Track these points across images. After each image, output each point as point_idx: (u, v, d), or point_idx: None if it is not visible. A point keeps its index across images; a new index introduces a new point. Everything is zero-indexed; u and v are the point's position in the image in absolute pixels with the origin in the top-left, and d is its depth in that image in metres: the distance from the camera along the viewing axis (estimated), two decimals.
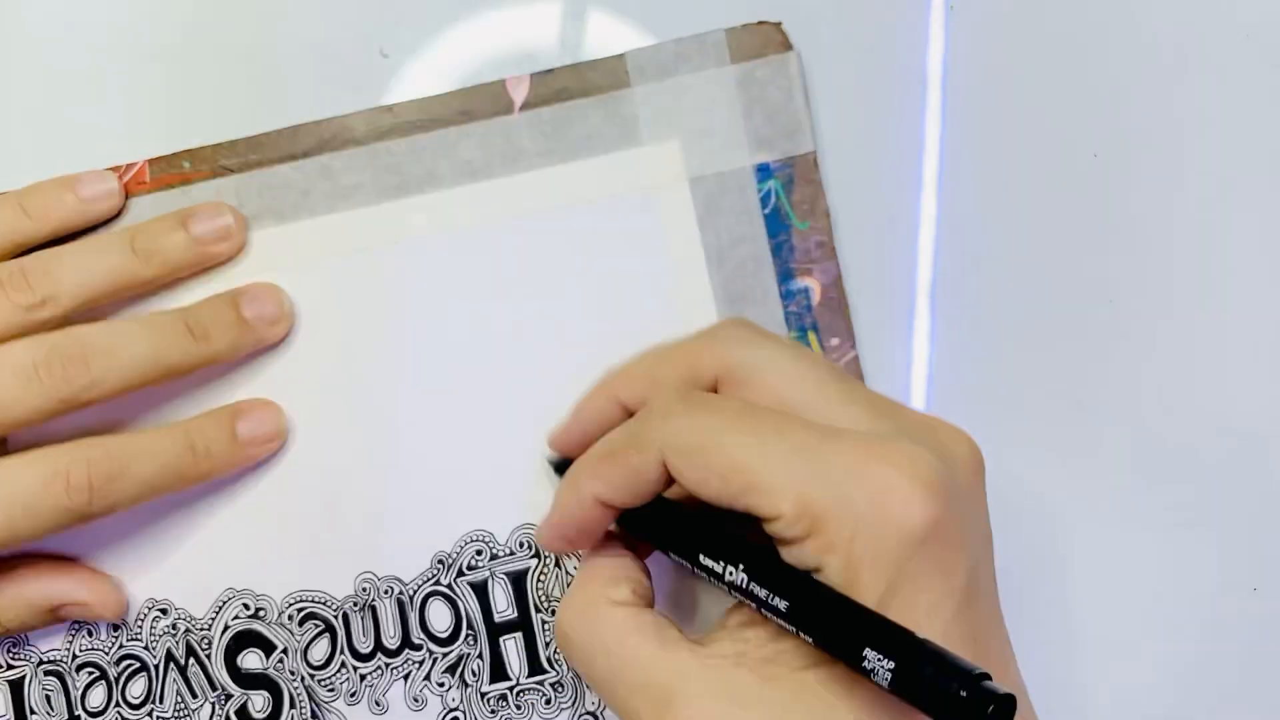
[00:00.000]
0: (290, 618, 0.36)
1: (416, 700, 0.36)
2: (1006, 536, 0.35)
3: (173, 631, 0.37)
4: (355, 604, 0.36)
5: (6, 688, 0.37)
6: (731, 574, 0.28)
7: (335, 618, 0.36)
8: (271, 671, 0.36)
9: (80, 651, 0.37)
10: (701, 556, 0.29)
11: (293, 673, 0.36)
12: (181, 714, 0.36)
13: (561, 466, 0.34)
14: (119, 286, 0.34)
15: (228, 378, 0.36)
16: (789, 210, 0.36)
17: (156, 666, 0.37)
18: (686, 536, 0.30)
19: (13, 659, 0.36)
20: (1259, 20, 0.37)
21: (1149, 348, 0.37)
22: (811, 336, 0.36)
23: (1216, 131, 0.37)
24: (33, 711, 0.36)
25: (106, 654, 0.37)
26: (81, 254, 0.35)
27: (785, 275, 0.36)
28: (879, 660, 0.25)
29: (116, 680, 0.37)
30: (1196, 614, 0.37)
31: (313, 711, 0.36)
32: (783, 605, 0.27)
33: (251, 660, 0.36)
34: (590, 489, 0.30)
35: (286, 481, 0.36)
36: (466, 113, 0.37)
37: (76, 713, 0.36)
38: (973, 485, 0.29)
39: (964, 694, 0.24)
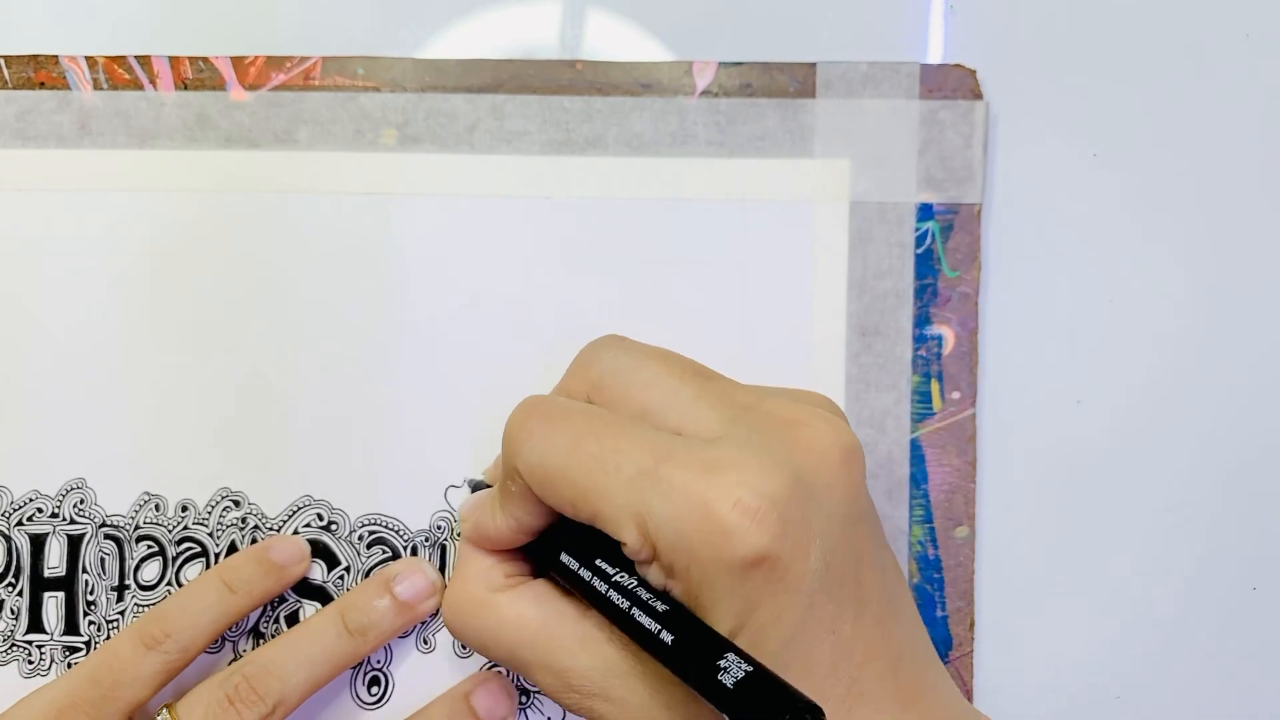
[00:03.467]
0: (360, 538, 0.36)
1: (464, 648, 0.36)
2: (1006, 536, 0.36)
3: (241, 525, 0.36)
4: (427, 539, 0.36)
5: (66, 541, 0.37)
6: (593, 581, 0.29)
7: (404, 548, 0.36)
8: (330, 585, 0.36)
9: (144, 523, 0.37)
10: (564, 561, 0.31)
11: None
12: None
13: (477, 486, 0.36)
14: (341, 668, 0.35)
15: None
16: (941, 255, 0.36)
17: (217, 555, 0.36)
18: (549, 549, 0.31)
19: (77, 514, 0.36)
20: (1259, 20, 0.37)
21: (1149, 347, 0.37)
22: (934, 385, 0.36)
23: (1217, 131, 0.37)
24: (85, 570, 0.36)
25: (169, 531, 0.37)
26: (299, 645, 0.34)
27: (923, 319, 0.36)
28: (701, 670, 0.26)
29: (174, 560, 0.37)
30: (1196, 614, 0.37)
31: None
32: (626, 607, 0.28)
33: (313, 571, 0.36)
34: (504, 522, 0.31)
35: (380, 403, 0.36)
36: (647, 86, 0.36)
37: (127, 581, 0.36)
38: (833, 482, 0.28)
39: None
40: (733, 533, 0.26)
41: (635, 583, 0.28)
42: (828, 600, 0.27)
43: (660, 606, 0.27)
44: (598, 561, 0.29)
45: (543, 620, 0.31)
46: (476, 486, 0.36)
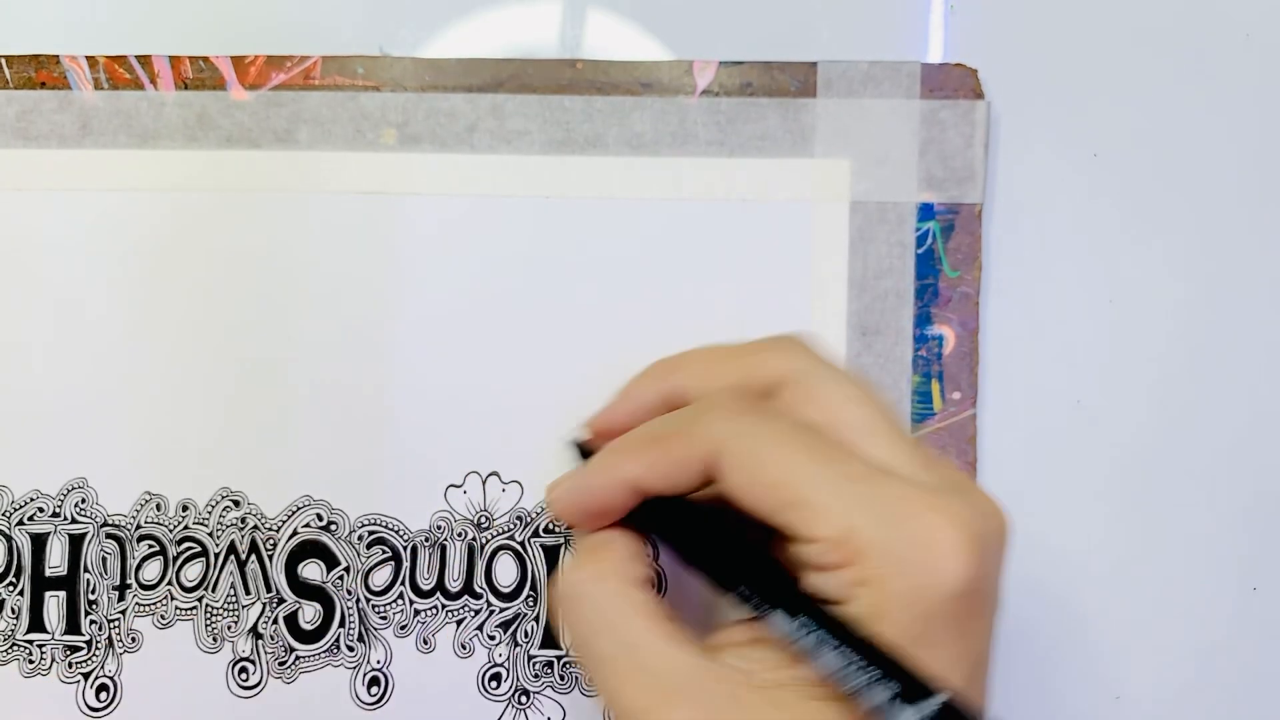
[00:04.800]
0: (360, 538, 0.36)
1: (464, 648, 0.36)
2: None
3: (240, 525, 0.36)
4: (427, 539, 0.36)
5: (67, 540, 0.37)
6: (752, 593, 0.28)
7: (404, 548, 0.36)
8: (329, 586, 0.36)
9: (145, 523, 0.37)
10: (723, 568, 0.28)
11: (349, 592, 0.36)
12: (231, 606, 0.36)
13: (585, 450, 0.33)
14: None
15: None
16: (942, 255, 0.36)
17: (217, 555, 0.37)
18: (707, 542, 0.29)
19: (79, 513, 0.36)
20: (1259, 20, 0.37)
21: (1149, 347, 0.37)
22: (935, 385, 0.36)
23: (1217, 131, 0.37)
24: (86, 570, 0.37)
25: (170, 531, 0.37)
26: None
27: (923, 319, 0.36)
28: (897, 701, 0.25)
29: (174, 560, 0.37)
30: (1196, 614, 0.37)
31: (360, 634, 0.36)
32: (804, 628, 0.26)
33: (312, 571, 0.36)
34: (627, 470, 0.29)
35: (380, 403, 0.36)
36: (647, 85, 0.36)
37: (129, 581, 0.36)
38: (1001, 559, 0.29)
39: None
40: (955, 558, 0.26)
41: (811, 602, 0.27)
42: (988, 646, 0.27)
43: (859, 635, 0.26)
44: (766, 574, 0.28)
45: (683, 640, 0.28)
46: (583, 449, 0.33)
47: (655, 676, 0.27)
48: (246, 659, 0.36)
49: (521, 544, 0.36)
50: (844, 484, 0.27)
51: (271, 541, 0.36)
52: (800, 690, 0.27)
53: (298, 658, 0.36)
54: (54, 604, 0.36)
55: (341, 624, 0.36)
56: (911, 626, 0.26)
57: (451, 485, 0.36)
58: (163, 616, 0.36)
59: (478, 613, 0.36)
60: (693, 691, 0.27)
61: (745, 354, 0.30)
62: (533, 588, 0.36)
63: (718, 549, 0.29)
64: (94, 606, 0.36)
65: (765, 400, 0.30)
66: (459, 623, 0.36)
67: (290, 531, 0.36)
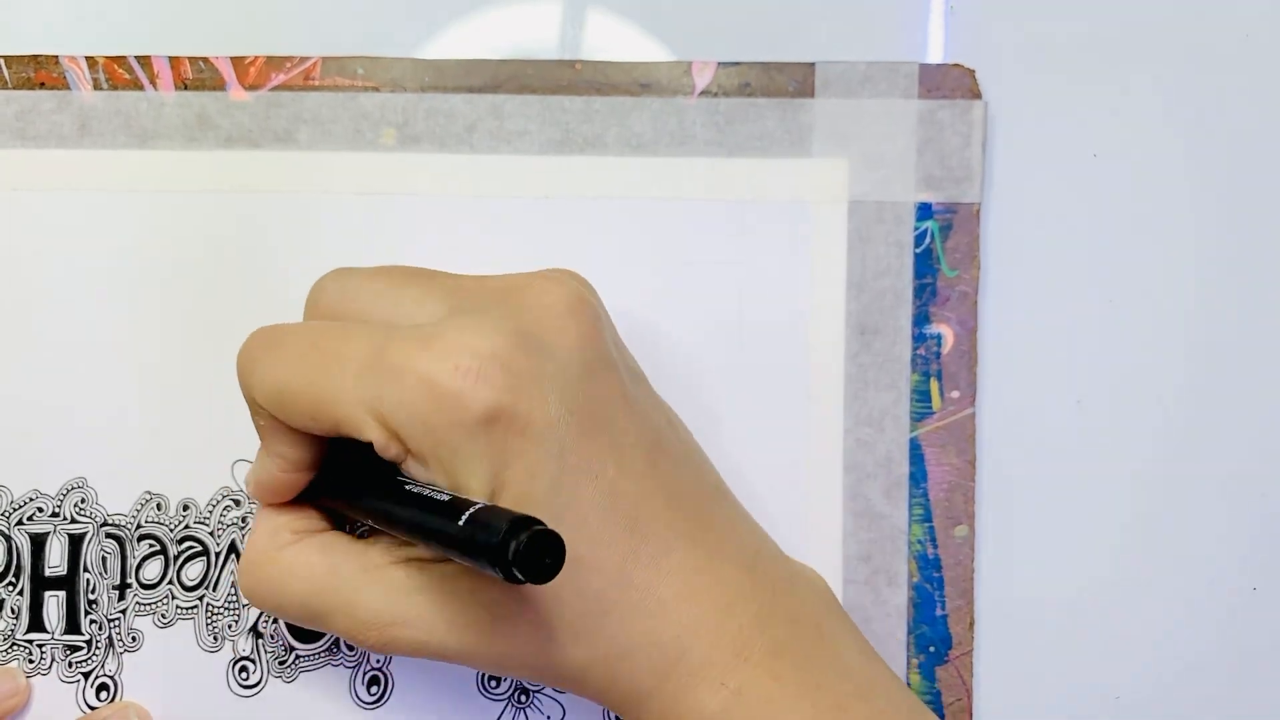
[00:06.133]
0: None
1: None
2: (1006, 536, 0.36)
3: (241, 524, 0.37)
4: None
5: (67, 540, 0.37)
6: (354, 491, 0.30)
7: None
8: None
9: (145, 522, 0.37)
10: (344, 496, 0.31)
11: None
12: (232, 605, 0.36)
13: None
14: None
15: None
16: (940, 255, 0.36)
17: (218, 555, 0.37)
18: (344, 484, 0.31)
19: (78, 513, 0.37)
20: (1259, 20, 0.37)
21: (1149, 347, 0.37)
22: (934, 384, 0.36)
23: (1217, 131, 0.37)
24: (86, 569, 0.37)
25: (171, 531, 0.37)
26: None
27: (921, 318, 0.36)
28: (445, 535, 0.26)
29: (175, 559, 0.37)
30: (1196, 614, 0.37)
31: None
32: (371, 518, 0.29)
33: None
34: (270, 463, 0.31)
35: None
36: (646, 85, 0.36)
37: (129, 580, 0.37)
38: (561, 331, 0.29)
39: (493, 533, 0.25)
40: (459, 396, 0.27)
41: (392, 483, 0.29)
42: (581, 446, 0.28)
43: (414, 491, 0.28)
44: (366, 477, 0.30)
45: (329, 565, 0.30)
46: None
47: (336, 611, 0.30)
48: (247, 658, 0.36)
49: None
50: (357, 380, 0.28)
51: None
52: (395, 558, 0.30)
53: (298, 657, 0.36)
54: (54, 604, 0.36)
55: None
56: (471, 467, 0.27)
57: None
58: (163, 616, 0.36)
59: None
60: (358, 599, 0.29)
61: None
62: None
63: (345, 486, 0.31)
64: (94, 606, 0.36)
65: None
66: None
67: None
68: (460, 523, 0.25)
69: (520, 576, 0.24)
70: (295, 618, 0.31)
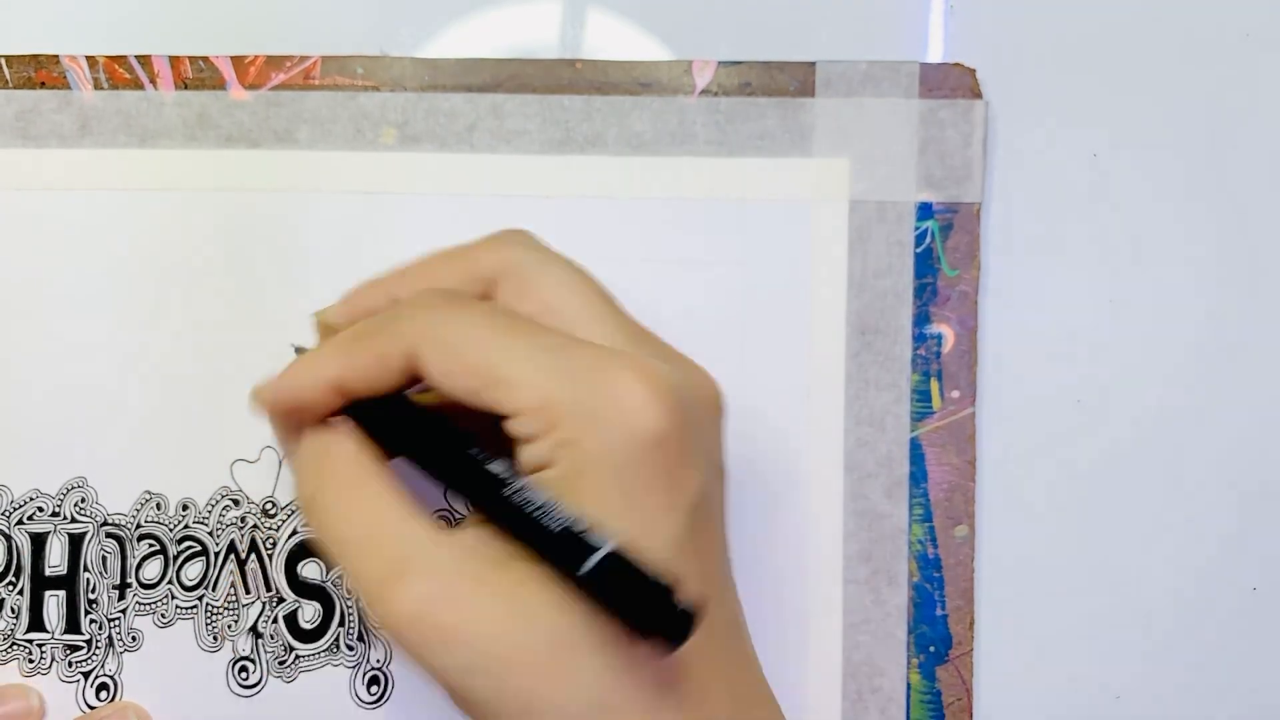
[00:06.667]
0: None
1: None
2: (1006, 536, 0.36)
3: (240, 524, 0.37)
4: None
5: (67, 540, 0.37)
6: (463, 477, 0.29)
7: None
8: (329, 585, 0.36)
9: (145, 522, 0.37)
10: (435, 458, 0.29)
11: (350, 591, 0.36)
12: (231, 605, 0.36)
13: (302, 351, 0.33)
14: None
15: None
16: (941, 254, 0.36)
17: (217, 554, 0.37)
18: (421, 437, 0.30)
19: (78, 513, 0.37)
20: (1259, 20, 0.37)
21: (1149, 347, 0.37)
22: (934, 384, 0.36)
23: (1217, 131, 0.37)
24: (86, 569, 0.37)
25: (170, 530, 0.37)
26: None
27: (922, 318, 0.36)
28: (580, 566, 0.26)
29: (175, 559, 0.37)
30: (1196, 614, 0.37)
31: (360, 634, 0.36)
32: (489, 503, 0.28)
33: (311, 570, 0.36)
34: (328, 369, 0.30)
35: None
36: (646, 85, 0.36)
37: (129, 580, 0.37)
38: (709, 420, 0.30)
39: (651, 600, 0.25)
40: (646, 408, 0.27)
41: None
42: (701, 524, 0.28)
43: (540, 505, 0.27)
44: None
45: (405, 516, 0.28)
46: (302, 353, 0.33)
47: (389, 547, 0.28)
48: (246, 658, 0.36)
49: None
50: (537, 354, 0.28)
51: (271, 541, 0.36)
52: (520, 556, 0.28)
53: (298, 657, 0.36)
54: (54, 603, 0.36)
55: (341, 623, 0.36)
56: (610, 479, 0.27)
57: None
58: (163, 615, 0.36)
59: None
60: (423, 563, 0.27)
61: (463, 253, 0.31)
62: None
63: (421, 442, 0.30)
64: (94, 606, 0.36)
65: (485, 297, 0.30)
66: None
67: (290, 530, 0.36)
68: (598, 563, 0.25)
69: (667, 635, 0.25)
70: (319, 524, 0.29)
